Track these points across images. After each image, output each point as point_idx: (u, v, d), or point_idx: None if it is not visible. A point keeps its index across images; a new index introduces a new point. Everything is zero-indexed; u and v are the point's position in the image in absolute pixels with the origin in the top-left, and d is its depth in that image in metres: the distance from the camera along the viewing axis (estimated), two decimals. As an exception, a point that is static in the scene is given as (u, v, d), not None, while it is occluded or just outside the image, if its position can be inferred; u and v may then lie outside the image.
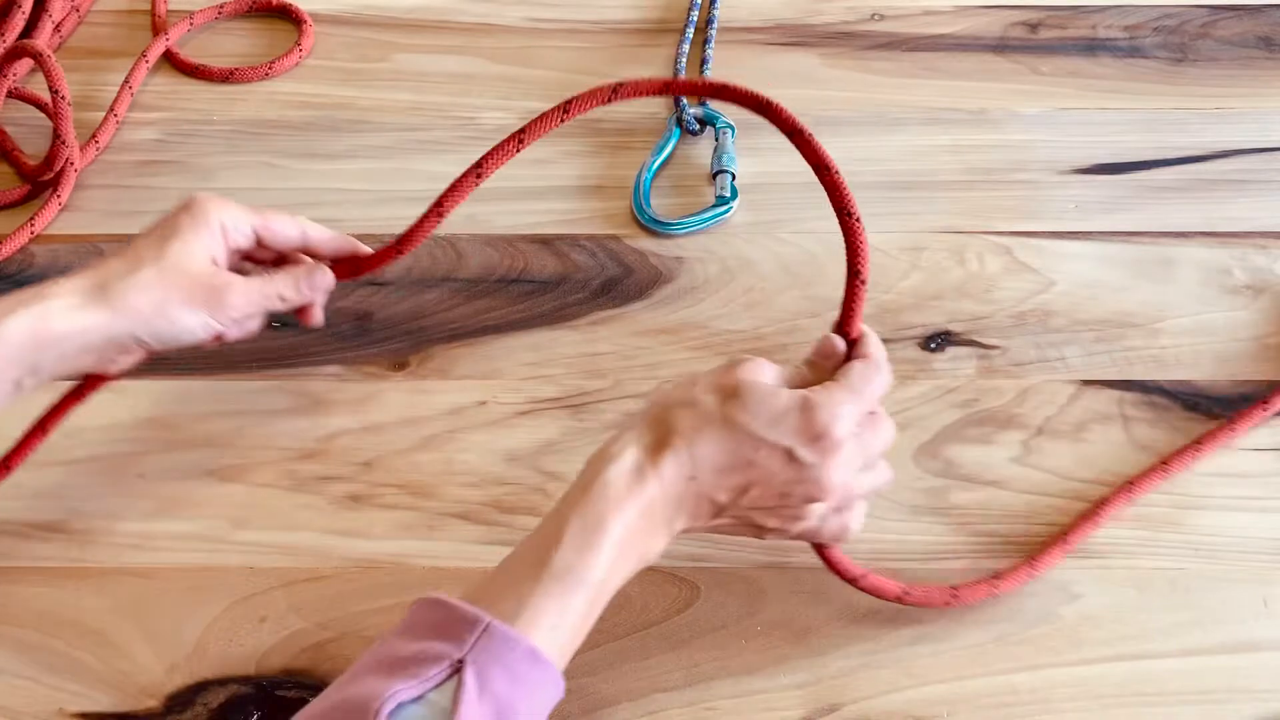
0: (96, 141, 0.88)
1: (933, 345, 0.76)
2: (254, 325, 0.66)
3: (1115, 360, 0.76)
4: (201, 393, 0.75)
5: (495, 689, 0.49)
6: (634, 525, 0.55)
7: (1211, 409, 0.73)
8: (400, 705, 0.48)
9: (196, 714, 0.61)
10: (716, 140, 0.87)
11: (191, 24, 0.97)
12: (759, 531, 0.60)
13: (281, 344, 0.77)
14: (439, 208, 0.67)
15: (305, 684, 0.62)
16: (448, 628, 0.51)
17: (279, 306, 0.66)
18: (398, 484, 0.70)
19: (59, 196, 0.84)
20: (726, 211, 0.83)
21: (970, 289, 0.79)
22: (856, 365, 0.59)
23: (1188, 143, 0.88)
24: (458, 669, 0.49)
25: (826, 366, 0.61)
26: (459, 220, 0.83)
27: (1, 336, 0.58)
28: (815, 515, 0.59)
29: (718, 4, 0.97)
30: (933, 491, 0.70)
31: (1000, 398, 0.74)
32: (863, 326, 0.61)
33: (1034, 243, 0.82)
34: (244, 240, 0.65)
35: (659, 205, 0.84)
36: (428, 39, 0.97)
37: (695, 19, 0.97)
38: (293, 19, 0.98)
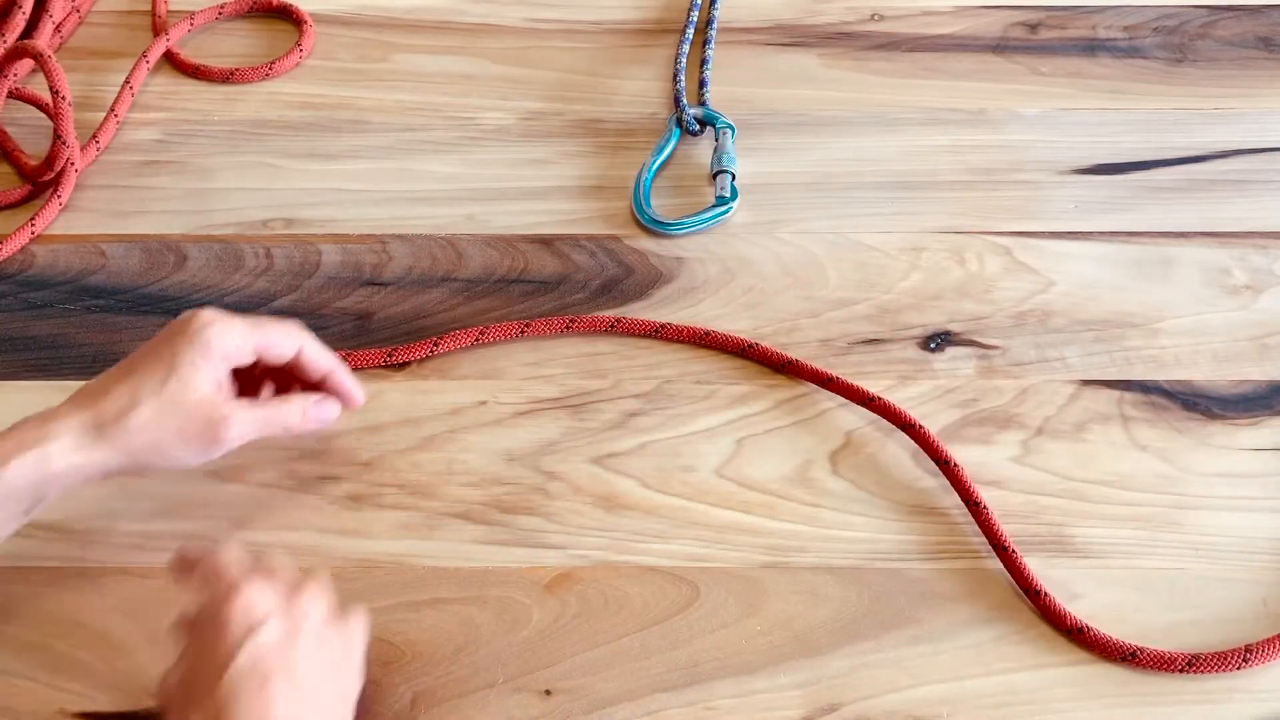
0: (97, 142, 0.88)
1: (932, 345, 0.76)
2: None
3: (1115, 360, 0.76)
4: (202, 393, 0.74)
5: None
6: None
7: (1211, 409, 0.73)
8: None
9: (197, 714, 0.61)
10: (716, 140, 0.87)
11: (192, 24, 0.97)
12: (340, 672, 0.58)
13: (282, 344, 0.77)
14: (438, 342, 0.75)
15: (305, 684, 0.62)
16: None
17: (280, 434, 0.66)
18: (398, 484, 0.71)
19: (59, 197, 0.84)
20: (726, 211, 0.83)
21: (970, 289, 0.79)
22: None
23: (1187, 143, 0.88)
24: None
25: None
26: (459, 220, 0.83)
27: (6, 480, 0.60)
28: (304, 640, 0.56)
29: (718, 4, 0.97)
30: (932, 491, 0.70)
31: (1000, 398, 0.74)
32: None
33: (1034, 243, 0.82)
34: (246, 360, 0.66)
35: (659, 205, 0.84)
36: (428, 39, 0.97)
37: (695, 19, 0.97)
38: (293, 19, 0.98)
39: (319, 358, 0.68)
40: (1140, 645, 0.63)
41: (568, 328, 0.76)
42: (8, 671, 0.63)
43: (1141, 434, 0.72)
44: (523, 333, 0.76)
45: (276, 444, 0.72)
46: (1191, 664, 0.62)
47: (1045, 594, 0.64)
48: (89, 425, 0.61)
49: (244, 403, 0.65)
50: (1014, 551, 0.66)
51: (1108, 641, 0.63)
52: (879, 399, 0.72)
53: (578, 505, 0.69)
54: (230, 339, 0.64)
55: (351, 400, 0.69)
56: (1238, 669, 0.62)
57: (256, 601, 0.56)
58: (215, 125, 0.90)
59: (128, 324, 0.78)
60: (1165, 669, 0.62)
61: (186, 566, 0.60)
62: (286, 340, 0.66)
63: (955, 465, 0.69)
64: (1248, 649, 0.62)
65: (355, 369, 0.73)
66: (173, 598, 0.65)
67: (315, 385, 0.68)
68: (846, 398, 0.73)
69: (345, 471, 0.71)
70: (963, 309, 0.78)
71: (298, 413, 0.67)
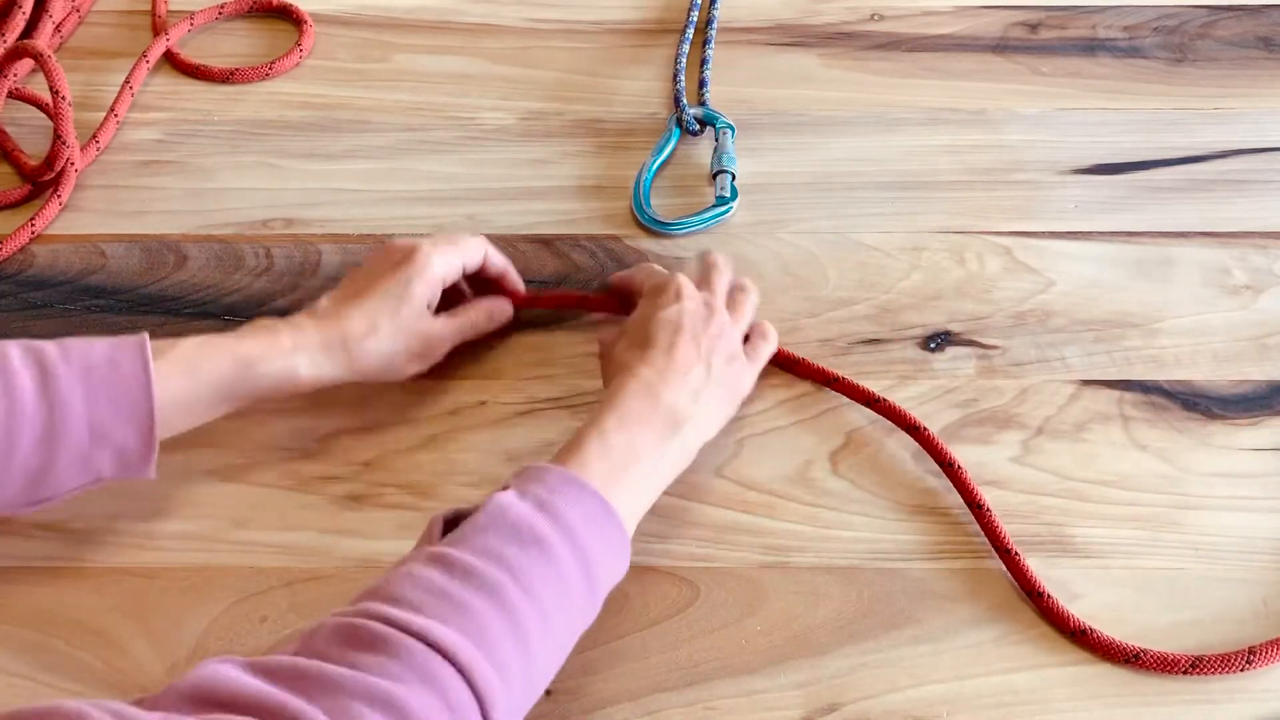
0: (97, 141, 0.88)
1: (933, 345, 0.76)
2: None
3: (1115, 360, 0.76)
4: (202, 393, 0.74)
5: (534, 493, 0.58)
6: (639, 403, 0.64)
7: (1211, 409, 0.73)
8: (457, 514, 0.58)
9: (197, 714, 0.61)
10: (716, 140, 0.87)
11: (192, 24, 0.97)
12: (737, 371, 0.70)
13: (282, 344, 0.77)
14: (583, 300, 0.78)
15: (305, 684, 0.62)
16: (499, 487, 0.60)
17: (471, 337, 0.75)
18: (398, 484, 0.71)
19: (59, 196, 0.84)
20: (726, 211, 0.83)
21: (970, 289, 0.79)
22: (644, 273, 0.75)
23: (1187, 143, 0.88)
24: (504, 489, 0.59)
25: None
26: (459, 220, 0.84)
27: (257, 375, 0.66)
28: (729, 324, 0.70)
29: (718, 4, 0.97)
30: (933, 491, 0.70)
31: (1000, 398, 0.74)
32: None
33: (1034, 243, 0.82)
34: (454, 280, 0.73)
35: (659, 205, 0.84)
36: (428, 39, 0.97)
37: (695, 19, 0.97)
38: (293, 19, 0.98)
39: (497, 260, 0.76)
40: (1143, 647, 0.62)
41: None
42: (8, 671, 0.63)
43: (1141, 434, 0.72)
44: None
45: (276, 444, 0.72)
46: (1195, 666, 0.62)
47: (1048, 596, 0.64)
48: (333, 344, 0.68)
49: (445, 318, 0.73)
50: (1016, 553, 0.66)
51: (1110, 644, 0.63)
52: (883, 400, 0.72)
53: (578, 505, 0.69)
54: (449, 267, 0.72)
55: (520, 293, 0.77)
56: (1241, 670, 0.62)
57: (690, 288, 0.70)
58: (215, 125, 0.90)
59: (128, 324, 0.78)
60: (1169, 671, 0.62)
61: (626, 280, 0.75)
62: (478, 251, 0.74)
63: (959, 467, 0.69)
64: (1251, 651, 0.62)
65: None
66: (173, 597, 0.65)
67: (485, 284, 0.76)
68: (851, 398, 0.73)
69: (345, 471, 0.71)
70: (963, 309, 0.78)
71: (485, 316, 0.75)
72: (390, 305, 0.70)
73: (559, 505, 0.58)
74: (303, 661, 0.49)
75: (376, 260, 0.72)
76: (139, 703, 0.48)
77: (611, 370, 0.68)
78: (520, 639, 0.54)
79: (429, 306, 0.71)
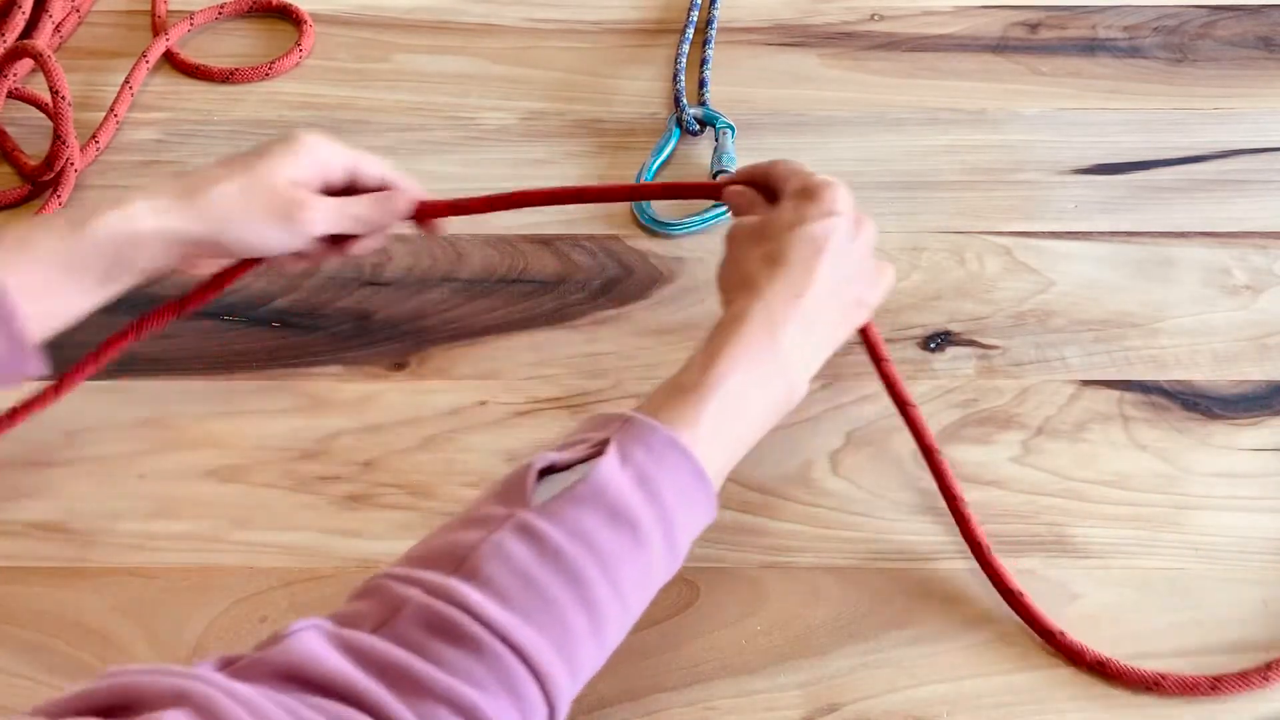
0: (96, 142, 0.88)
1: (933, 345, 0.76)
2: (333, 258, 0.72)
3: (1115, 360, 0.76)
4: (201, 393, 0.75)
5: (637, 460, 0.55)
6: (758, 351, 0.61)
7: (1211, 409, 0.73)
8: (552, 465, 0.55)
9: (197, 714, 0.61)
10: (716, 140, 0.87)
11: (191, 24, 0.97)
12: (861, 307, 0.67)
13: (281, 344, 0.77)
14: (514, 198, 0.74)
15: (305, 684, 0.62)
16: (600, 424, 0.58)
17: (356, 228, 0.69)
18: (398, 484, 0.71)
19: (59, 197, 0.84)
20: (726, 211, 0.83)
21: (970, 289, 0.79)
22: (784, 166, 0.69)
23: (1187, 143, 0.88)
24: (602, 447, 0.55)
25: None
26: (459, 220, 0.83)
27: (91, 230, 0.62)
28: (870, 256, 0.67)
29: (718, 4, 0.97)
30: (933, 491, 0.70)
31: (1000, 398, 0.74)
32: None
33: (1034, 243, 0.82)
34: (337, 175, 0.69)
35: (659, 205, 0.84)
36: (428, 39, 0.97)
37: (695, 19, 0.97)
38: (293, 19, 0.98)
39: (402, 179, 0.72)
40: (1163, 672, 0.61)
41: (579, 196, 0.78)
42: (8, 671, 0.63)
43: (1141, 434, 0.72)
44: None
45: (276, 444, 0.72)
46: (1215, 687, 0.61)
47: (1061, 634, 0.63)
48: (175, 192, 0.65)
49: (325, 197, 0.68)
50: (1023, 595, 0.64)
51: (1131, 673, 0.61)
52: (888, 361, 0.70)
53: (578, 505, 0.69)
54: (324, 146, 0.68)
55: (417, 194, 0.72)
56: (1260, 687, 0.61)
57: (845, 201, 0.65)
58: (215, 125, 0.91)
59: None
60: (1190, 693, 0.61)
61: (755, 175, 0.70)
62: (377, 165, 0.71)
63: (941, 460, 0.68)
64: (1269, 666, 0.62)
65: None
66: (173, 598, 0.65)
67: None
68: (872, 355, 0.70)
69: (345, 471, 0.71)
70: (963, 309, 0.78)
71: (368, 204, 0.69)
72: (243, 159, 0.66)
73: (659, 481, 0.55)
74: (393, 650, 0.49)
75: None
76: (228, 665, 0.48)
77: (735, 276, 0.65)
78: (599, 637, 0.53)
79: (303, 181, 0.67)
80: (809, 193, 0.65)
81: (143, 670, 0.45)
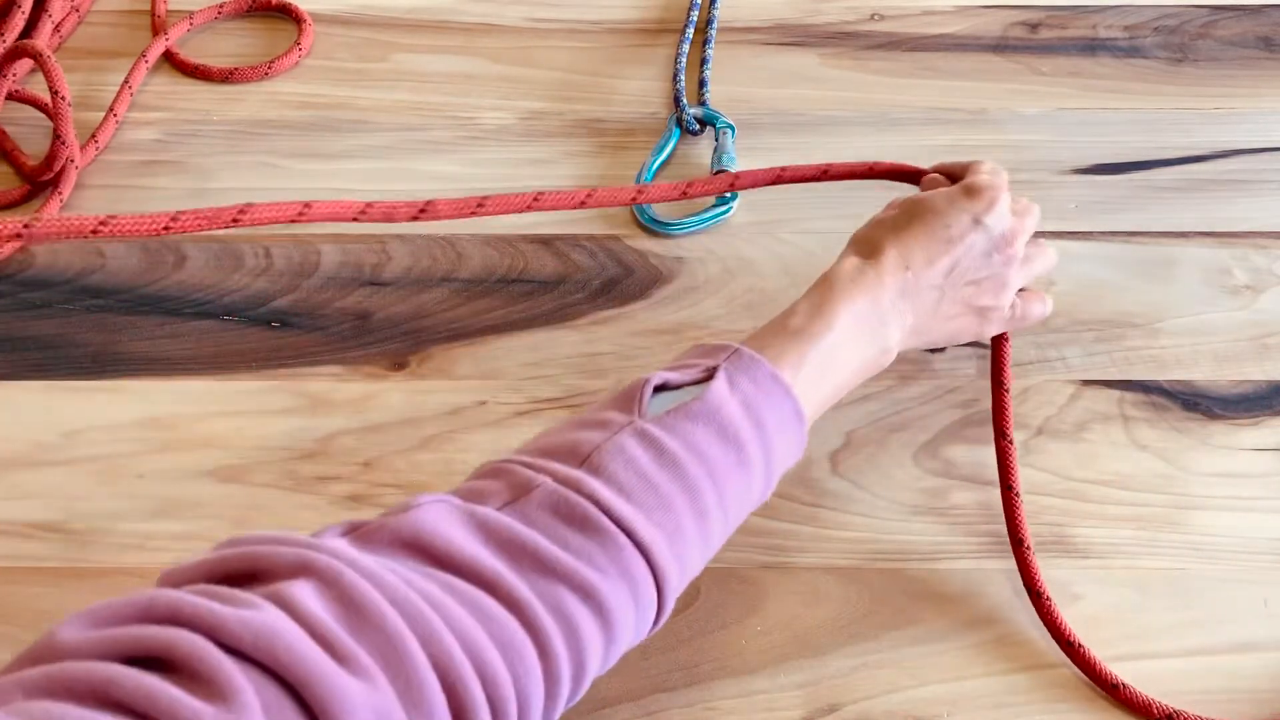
0: (96, 141, 0.88)
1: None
2: None
3: (1115, 360, 0.76)
4: (201, 393, 0.74)
5: (743, 389, 0.57)
6: (862, 310, 0.63)
7: (1211, 409, 0.73)
8: (665, 384, 0.58)
9: (196, 714, 0.61)
10: (716, 140, 0.87)
11: (191, 24, 0.97)
12: (980, 317, 0.68)
13: (281, 344, 0.77)
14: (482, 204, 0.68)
15: (305, 684, 0.62)
16: (707, 352, 0.60)
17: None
18: (398, 484, 0.70)
19: (59, 196, 0.84)
20: (726, 211, 0.83)
21: (970, 289, 0.79)
22: (979, 165, 0.70)
23: (1188, 143, 0.88)
24: (711, 373, 0.58)
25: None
26: (459, 220, 0.83)
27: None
28: (1012, 277, 0.67)
29: (718, 4, 0.97)
30: (933, 491, 0.70)
31: (1000, 398, 0.74)
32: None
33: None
34: None
35: (659, 205, 0.84)
36: (428, 39, 0.97)
37: (695, 19, 0.97)
38: (293, 19, 0.98)
39: None
40: (1178, 709, 0.61)
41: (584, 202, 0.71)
42: (7, 672, 0.63)
43: (1142, 434, 0.72)
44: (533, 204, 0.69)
45: (276, 444, 0.72)
46: None
47: (1080, 645, 0.62)
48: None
49: None
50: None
51: (1146, 702, 0.61)
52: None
53: (578, 505, 0.69)
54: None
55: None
56: None
57: (1001, 215, 0.66)
58: (215, 125, 0.90)
59: (127, 324, 0.78)
60: None
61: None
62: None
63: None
64: None
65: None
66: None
67: None
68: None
69: (345, 471, 0.71)
70: (963, 309, 0.78)
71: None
72: None
73: (763, 411, 0.57)
74: (521, 530, 0.50)
75: None
76: (353, 530, 0.50)
77: (867, 230, 0.67)
78: (705, 543, 0.56)
79: None
80: (974, 190, 0.67)
81: (267, 539, 0.47)
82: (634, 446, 0.54)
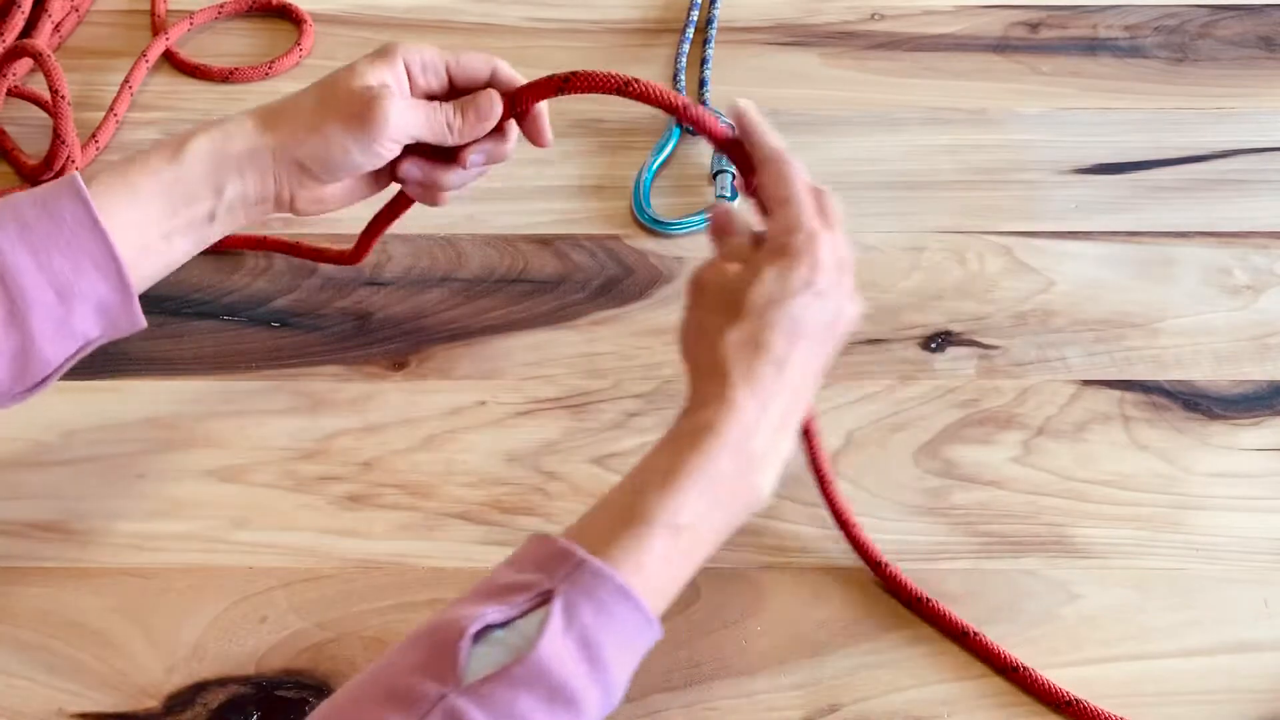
0: (96, 141, 0.88)
1: (933, 345, 0.76)
2: (449, 179, 0.67)
3: (1115, 360, 0.76)
4: (201, 393, 0.74)
5: (582, 621, 0.49)
6: (725, 461, 0.54)
7: (1212, 409, 0.73)
8: (489, 627, 0.49)
9: (196, 714, 0.61)
10: (717, 140, 0.87)
11: (191, 24, 0.97)
12: (836, 344, 0.58)
13: (281, 344, 0.77)
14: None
15: (305, 684, 0.62)
16: (544, 560, 0.51)
17: (445, 136, 0.64)
18: (397, 484, 0.70)
19: (59, 196, 0.84)
20: (726, 211, 0.83)
21: (970, 289, 0.79)
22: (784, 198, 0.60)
23: (1188, 143, 0.88)
24: (546, 598, 0.49)
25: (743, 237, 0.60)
26: (459, 220, 0.83)
27: (190, 151, 0.61)
28: (847, 295, 0.58)
29: (718, 4, 0.97)
30: (933, 491, 0.70)
31: (1000, 398, 0.74)
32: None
33: (1034, 243, 0.82)
34: (435, 80, 0.65)
35: (659, 205, 0.84)
36: (428, 39, 0.96)
37: (695, 19, 0.97)
38: (293, 19, 0.97)
39: (513, 78, 0.66)
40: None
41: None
42: (7, 671, 0.63)
43: (1142, 434, 0.72)
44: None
45: (276, 444, 0.72)
46: None
47: (975, 634, 0.63)
48: (264, 111, 0.64)
49: (407, 97, 0.64)
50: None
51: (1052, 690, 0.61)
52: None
53: (577, 505, 0.69)
54: (416, 51, 0.64)
55: (509, 87, 0.66)
56: None
57: (829, 268, 0.57)
58: (215, 125, 0.90)
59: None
60: None
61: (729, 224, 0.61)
62: (478, 61, 0.65)
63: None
64: None
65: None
66: (173, 598, 0.65)
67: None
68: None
69: (345, 471, 0.71)
70: (963, 309, 0.78)
71: (456, 108, 0.64)
72: (328, 76, 0.64)
73: (604, 644, 0.49)
74: None
75: None
76: None
77: (705, 353, 0.57)
78: None
79: (387, 82, 0.63)
80: (786, 251, 0.57)
81: None
82: None
